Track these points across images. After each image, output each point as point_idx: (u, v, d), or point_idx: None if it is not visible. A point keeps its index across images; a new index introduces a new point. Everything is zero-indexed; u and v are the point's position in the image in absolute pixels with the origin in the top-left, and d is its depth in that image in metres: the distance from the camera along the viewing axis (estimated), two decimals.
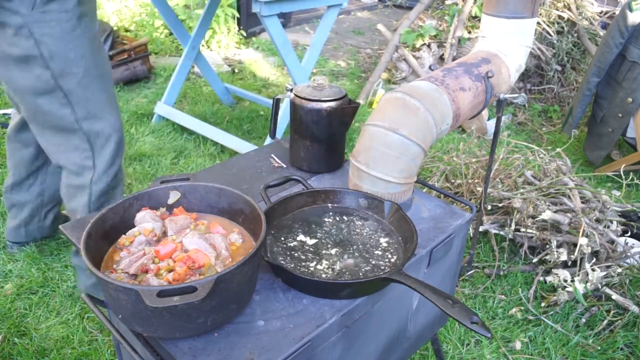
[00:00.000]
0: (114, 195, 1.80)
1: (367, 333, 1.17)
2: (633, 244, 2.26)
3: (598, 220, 2.26)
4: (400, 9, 7.37)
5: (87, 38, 1.57)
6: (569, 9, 4.18)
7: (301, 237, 1.20)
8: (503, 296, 2.20)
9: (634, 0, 2.83)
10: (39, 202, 2.14)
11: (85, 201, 1.74)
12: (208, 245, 1.01)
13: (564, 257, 2.15)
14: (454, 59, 3.97)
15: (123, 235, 1.06)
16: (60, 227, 1.24)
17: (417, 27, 4.37)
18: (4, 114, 3.46)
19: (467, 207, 1.72)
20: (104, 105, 1.66)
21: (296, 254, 1.14)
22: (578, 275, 2.11)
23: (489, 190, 2.40)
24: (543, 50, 4.11)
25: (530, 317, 2.10)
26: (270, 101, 3.58)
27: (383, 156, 1.28)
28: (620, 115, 3.02)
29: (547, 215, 2.14)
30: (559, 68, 4.24)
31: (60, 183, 1.82)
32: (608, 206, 2.30)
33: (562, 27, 4.18)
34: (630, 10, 2.85)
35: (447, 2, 4.58)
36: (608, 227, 2.29)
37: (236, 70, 4.70)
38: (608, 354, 1.95)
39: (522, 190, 2.37)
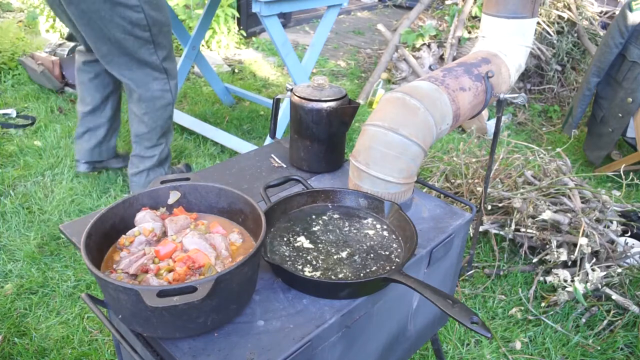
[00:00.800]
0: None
1: (367, 333, 1.17)
2: (633, 244, 2.26)
3: (598, 220, 2.26)
4: (400, 9, 7.37)
5: (166, 3, 2.32)
6: (569, 9, 4.18)
7: (301, 237, 1.20)
8: (503, 296, 2.20)
9: (634, 0, 2.83)
10: (109, 125, 2.67)
11: (169, 114, 2.49)
12: (208, 245, 1.01)
13: (564, 257, 2.15)
14: (454, 59, 3.97)
15: (123, 235, 1.06)
16: (60, 227, 1.24)
17: (417, 27, 4.37)
18: (4, 114, 3.47)
19: (467, 207, 1.72)
20: (171, 50, 2.40)
21: (296, 254, 1.14)
22: (578, 275, 2.11)
23: (489, 190, 2.40)
24: (543, 50, 4.11)
25: (530, 317, 2.10)
26: (270, 101, 3.59)
27: (383, 156, 1.28)
28: (620, 115, 3.02)
29: (547, 215, 2.14)
30: (559, 68, 4.24)
31: (129, 109, 2.48)
32: (608, 206, 2.30)
33: (562, 27, 4.18)
34: (630, 10, 2.85)
35: (447, 2, 4.58)
36: (608, 227, 2.29)
37: (236, 70, 4.71)
38: (608, 354, 1.95)
39: (522, 190, 2.37)
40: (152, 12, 2.21)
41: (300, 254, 1.15)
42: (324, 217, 1.27)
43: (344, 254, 1.15)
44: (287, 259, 1.13)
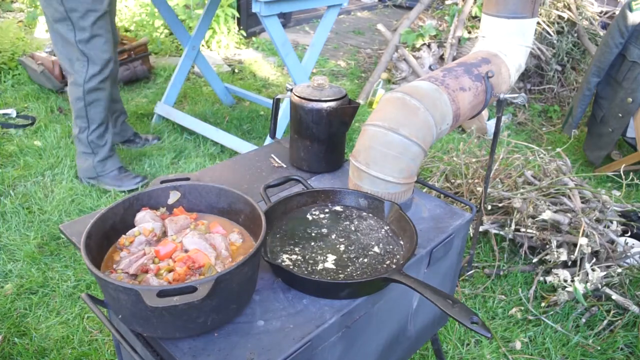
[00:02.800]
0: (98, 99, 2.59)
1: (367, 333, 1.17)
2: (633, 244, 2.26)
3: (598, 220, 2.26)
4: (400, 9, 7.37)
5: None
6: (569, 9, 4.18)
7: (301, 238, 1.20)
8: (503, 296, 2.20)
9: (634, 0, 2.83)
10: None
11: (80, 99, 2.57)
12: (208, 245, 1.01)
13: (564, 257, 2.15)
14: (454, 59, 3.97)
15: (123, 235, 1.06)
16: (60, 227, 1.24)
17: (417, 27, 4.37)
18: (4, 114, 3.46)
19: (467, 207, 1.72)
20: (98, 37, 2.44)
21: (296, 254, 1.14)
22: (578, 275, 2.11)
23: (489, 190, 2.40)
24: (543, 50, 4.11)
25: (530, 317, 2.10)
26: (270, 101, 3.59)
27: (383, 156, 1.28)
28: (620, 115, 3.02)
29: (547, 215, 2.14)
30: (559, 68, 4.24)
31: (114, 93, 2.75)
32: (608, 206, 2.30)
33: (562, 27, 4.18)
34: (630, 10, 2.85)
35: (447, 2, 4.58)
36: (608, 227, 2.29)
37: (236, 70, 4.71)
38: (608, 354, 1.95)
39: (522, 190, 2.37)
40: None
41: (300, 253, 1.15)
42: (324, 217, 1.27)
43: (344, 254, 1.15)
44: (287, 258, 1.13)
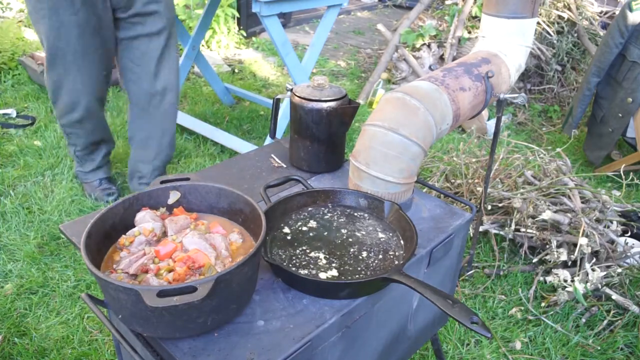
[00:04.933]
0: (75, 133, 2.48)
1: (367, 333, 1.17)
2: (633, 244, 2.26)
3: (598, 220, 2.26)
4: (400, 9, 7.37)
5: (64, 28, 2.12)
6: (569, 9, 4.18)
7: (301, 238, 1.20)
8: (503, 296, 2.20)
9: (634, 0, 2.83)
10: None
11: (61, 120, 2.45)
12: (208, 245, 1.01)
13: (564, 257, 2.15)
14: (454, 59, 3.97)
15: (123, 235, 1.06)
16: (60, 227, 1.24)
17: (417, 27, 4.37)
18: (4, 114, 3.46)
19: (467, 207, 1.72)
20: (53, 76, 2.24)
21: (296, 255, 1.14)
22: (578, 275, 2.11)
23: (489, 190, 2.40)
24: (543, 50, 4.11)
25: (530, 317, 2.10)
26: (270, 101, 3.59)
27: (383, 156, 1.28)
28: (620, 115, 3.02)
29: (547, 215, 2.14)
30: (559, 68, 4.24)
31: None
32: (608, 206, 2.30)
33: (562, 27, 4.18)
34: (630, 10, 2.85)
35: (447, 2, 4.58)
36: (608, 227, 2.29)
37: (236, 70, 4.70)
38: (608, 354, 1.95)
39: (522, 190, 2.37)
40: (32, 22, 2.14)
41: (301, 254, 1.15)
42: (324, 218, 1.27)
43: (344, 254, 1.15)
44: (287, 258, 1.13)
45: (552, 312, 2.11)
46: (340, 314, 1.03)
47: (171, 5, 2.36)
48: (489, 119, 3.72)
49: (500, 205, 2.44)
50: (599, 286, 2.09)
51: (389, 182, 1.29)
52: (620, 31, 2.90)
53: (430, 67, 4.20)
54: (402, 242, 1.19)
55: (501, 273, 2.31)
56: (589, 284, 2.07)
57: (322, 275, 1.08)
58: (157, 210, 1.13)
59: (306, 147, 1.51)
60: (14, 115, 3.47)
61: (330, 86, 1.49)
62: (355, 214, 1.29)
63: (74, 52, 2.16)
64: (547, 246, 2.24)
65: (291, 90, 1.51)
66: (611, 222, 2.31)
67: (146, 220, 1.07)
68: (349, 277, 1.08)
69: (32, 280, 2.12)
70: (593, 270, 2.08)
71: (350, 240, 1.20)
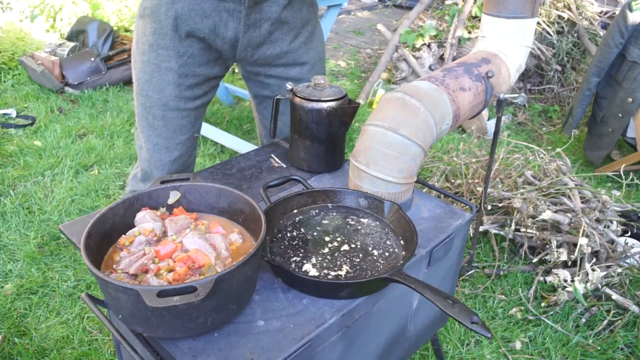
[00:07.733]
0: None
1: (367, 333, 1.17)
2: (633, 244, 2.26)
3: (598, 220, 2.26)
4: (400, 9, 7.37)
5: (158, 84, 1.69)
6: (569, 9, 4.18)
7: (301, 238, 1.20)
8: (503, 296, 2.20)
9: (634, 0, 2.83)
10: None
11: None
12: (208, 245, 1.01)
13: (564, 257, 2.15)
14: (454, 59, 3.97)
15: (123, 235, 1.06)
16: (60, 227, 1.24)
17: (417, 27, 4.37)
18: (4, 114, 3.47)
19: (467, 207, 1.72)
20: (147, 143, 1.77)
21: (296, 254, 1.14)
22: (578, 275, 2.11)
23: (489, 190, 2.40)
24: (543, 50, 4.11)
25: (530, 317, 2.10)
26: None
27: (383, 156, 1.28)
28: (620, 115, 3.02)
29: (547, 215, 2.14)
30: (559, 68, 4.24)
31: None
32: (608, 206, 2.30)
33: (562, 27, 4.18)
34: (630, 10, 2.85)
35: (447, 2, 4.58)
36: (608, 227, 2.29)
37: (236, 70, 4.70)
38: (608, 354, 1.95)
39: (522, 190, 2.37)
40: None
41: (300, 254, 1.15)
42: (324, 218, 1.27)
43: (344, 254, 1.15)
44: (287, 259, 1.13)
45: (552, 312, 2.11)
46: (340, 314, 1.03)
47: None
48: (489, 119, 3.72)
49: (500, 205, 2.44)
50: (599, 286, 2.09)
51: (389, 182, 1.29)
52: (620, 31, 2.90)
53: (430, 67, 4.20)
54: (402, 242, 1.19)
55: (501, 273, 2.31)
56: (589, 284, 2.07)
57: (322, 275, 1.08)
58: (157, 210, 1.13)
59: (306, 147, 1.51)
60: (14, 115, 3.48)
61: (330, 86, 1.49)
62: (355, 214, 1.29)
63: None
64: (547, 246, 2.24)
65: (291, 90, 1.51)
66: (611, 222, 2.31)
67: (146, 220, 1.07)
68: (349, 277, 1.08)
69: (32, 280, 2.12)
70: (593, 270, 2.08)
71: (350, 240, 1.20)
